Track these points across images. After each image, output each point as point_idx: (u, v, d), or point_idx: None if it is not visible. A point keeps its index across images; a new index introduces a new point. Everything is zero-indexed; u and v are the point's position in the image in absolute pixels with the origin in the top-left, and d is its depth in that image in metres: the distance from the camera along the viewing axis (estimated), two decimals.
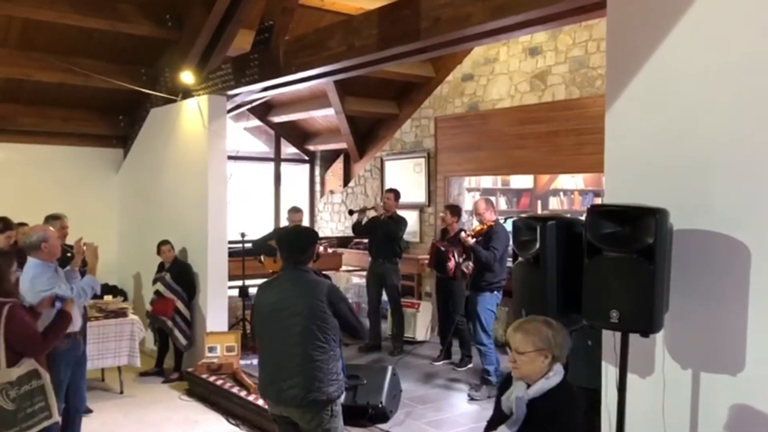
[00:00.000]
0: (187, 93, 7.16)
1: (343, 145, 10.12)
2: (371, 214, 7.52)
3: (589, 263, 2.95)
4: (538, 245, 3.17)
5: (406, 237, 8.96)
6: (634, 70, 3.28)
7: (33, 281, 3.98)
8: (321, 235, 10.28)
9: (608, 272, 2.89)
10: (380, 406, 5.13)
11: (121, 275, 8.30)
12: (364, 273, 8.14)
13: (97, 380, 6.67)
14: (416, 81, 8.90)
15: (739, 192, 2.91)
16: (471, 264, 6.39)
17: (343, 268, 9.10)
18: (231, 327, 7.44)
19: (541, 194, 9.61)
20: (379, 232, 7.37)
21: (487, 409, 5.63)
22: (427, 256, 8.42)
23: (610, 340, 3.21)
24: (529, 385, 2.67)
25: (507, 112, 7.89)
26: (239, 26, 6.55)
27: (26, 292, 3.87)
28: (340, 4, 7.16)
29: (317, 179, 11.18)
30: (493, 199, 9.08)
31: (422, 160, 8.97)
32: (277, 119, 10.34)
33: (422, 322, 8.08)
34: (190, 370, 6.59)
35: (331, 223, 10.80)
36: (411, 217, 9.06)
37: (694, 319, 3.08)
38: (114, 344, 6.33)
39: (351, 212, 7.67)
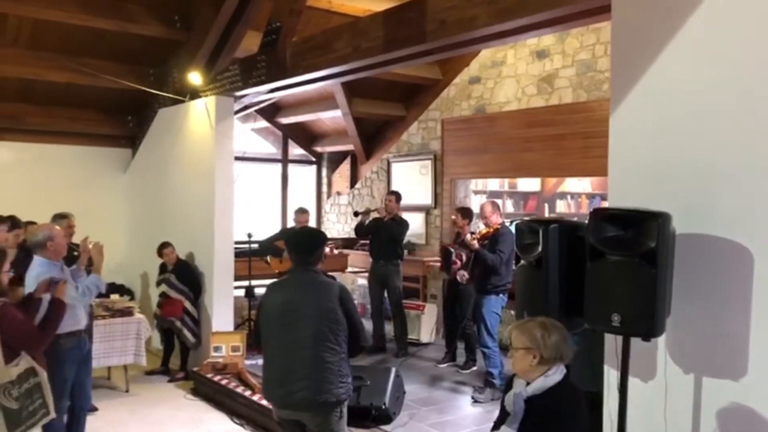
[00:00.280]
0: (194, 94, 7.19)
1: (350, 147, 10.14)
2: (374, 215, 7.54)
3: (591, 266, 2.96)
4: (540, 248, 3.18)
5: (412, 239, 8.99)
6: (638, 74, 3.28)
7: (38, 279, 4.01)
8: (328, 237, 10.32)
9: (610, 276, 2.90)
10: (383, 407, 5.14)
11: (128, 274, 8.34)
12: None
13: (103, 378, 6.71)
14: (423, 83, 8.91)
15: (742, 196, 2.91)
16: (466, 274, 6.42)
17: (349, 269, 9.12)
18: (237, 327, 7.46)
19: (548, 197, 9.60)
20: (382, 234, 7.39)
21: (490, 412, 5.64)
22: (433, 258, 8.46)
23: (611, 343, 3.21)
24: (528, 383, 2.70)
25: (514, 115, 7.89)
26: (247, 28, 6.58)
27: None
28: (348, 6, 7.18)
29: (324, 180, 11.20)
30: (500, 202, 9.11)
31: (429, 162, 8.97)
32: (284, 120, 10.37)
33: (427, 324, 8.09)
34: (195, 369, 6.62)
35: (338, 224, 10.82)
36: (417, 220, 9.08)
37: (696, 324, 3.08)
38: (120, 343, 6.37)
39: (356, 214, 7.68)
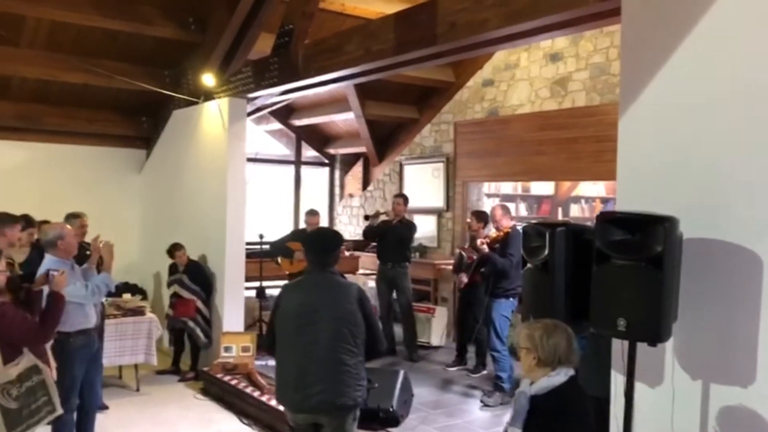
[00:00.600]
0: (208, 95, 7.24)
1: (362, 149, 10.16)
2: (382, 218, 7.55)
3: (597, 270, 2.94)
4: (546, 251, 3.17)
5: (423, 242, 8.99)
6: (647, 78, 3.26)
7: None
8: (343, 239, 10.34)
9: (616, 280, 2.87)
10: (391, 410, 5.13)
11: (141, 274, 8.40)
12: None
13: (114, 377, 6.76)
14: (436, 86, 8.91)
15: (750, 200, 2.87)
16: (465, 278, 6.42)
17: (360, 271, 9.13)
18: (247, 327, 7.49)
19: (562, 201, 9.54)
20: (390, 236, 7.40)
21: (499, 416, 5.63)
22: (444, 261, 8.45)
23: (618, 348, 3.19)
24: (532, 383, 2.72)
25: (527, 118, 7.86)
26: (260, 30, 6.62)
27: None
28: (361, 8, 7.20)
29: (337, 182, 11.23)
30: (513, 205, 9.08)
31: (441, 165, 8.96)
32: (298, 122, 10.42)
33: (437, 327, 8.08)
34: (205, 369, 6.66)
35: (350, 226, 10.83)
36: (429, 222, 9.08)
37: (704, 329, 3.04)
38: (131, 342, 6.41)
39: (366, 218, 7.69)
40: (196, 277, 7.02)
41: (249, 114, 7.45)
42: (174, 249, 7.04)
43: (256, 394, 5.86)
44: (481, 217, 6.77)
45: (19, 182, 7.78)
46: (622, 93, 3.43)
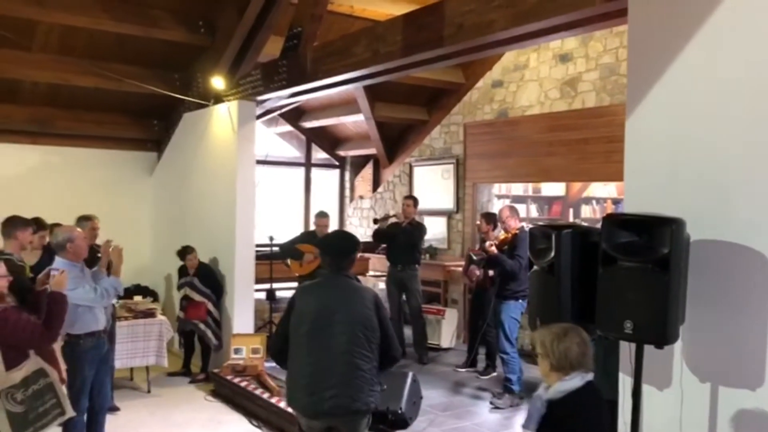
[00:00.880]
0: (218, 98, 7.28)
1: (372, 151, 10.17)
2: (392, 220, 7.55)
3: (603, 272, 2.93)
4: (553, 254, 3.16)
5: (433, 243, 8.98)
6: (654, 79, 3.25)
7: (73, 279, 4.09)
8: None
9: (623, 282, 2.86)
10: (399, 412, 5.12)
11: (152, 276, 8.45)
12: None
13: (125, 379, 6.80)
14: (446, 87, 8.90)
15: (758, 202, 2.85)
16: (477, 271, 6.41)
17: (370, 273, 9.13)
18: (258, 329, 7.52)
19: (573, 202, 9.51)
20: (399, 239, 7.39)
21: (509, 418, 5.62)
22: (455, 263, 8.44)
23: (626, 351, 3.17)
24: (549, 387, 2.71)
25: (536, 119, 7.84)
26: (270, 33, 6.65)
27: None
28: (370, 10, 7.21)
29: (347, 184, 11.24)
30: (524, 206, 9.06)
31: (451, 167, 8.95)
32: (308, 125, 10.44)
33: (447, 329, 8.07)
34: (216, 371, 6.68)
35: (360, 228, 10.84)
36: (439, 224, 9.07)
37: (712, 332, 3.02)
38: (142, 344, 6.45)
39: (375, 221, 7.69)
40: (206, 280, 7.05)
41: (259, 116, 7.48)
42: (185, 252, 7.07)
43: (266, 396, 5.87)
44: (491, 218, 6.75)
45: (31, 185, 7.86)
46: (629, 94, 3.41)
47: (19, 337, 3.33)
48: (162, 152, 8.76)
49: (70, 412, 3.50)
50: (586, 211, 9.42)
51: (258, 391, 6.01)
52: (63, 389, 3.48)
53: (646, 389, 3.19)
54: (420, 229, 7.48)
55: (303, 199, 10.89)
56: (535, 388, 5.99)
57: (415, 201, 7.62)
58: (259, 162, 7.76)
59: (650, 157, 3.29)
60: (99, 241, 5.71)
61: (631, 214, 2.99)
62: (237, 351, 6.64)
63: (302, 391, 3.35)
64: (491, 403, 5.92)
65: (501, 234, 6.39)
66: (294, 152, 11.14)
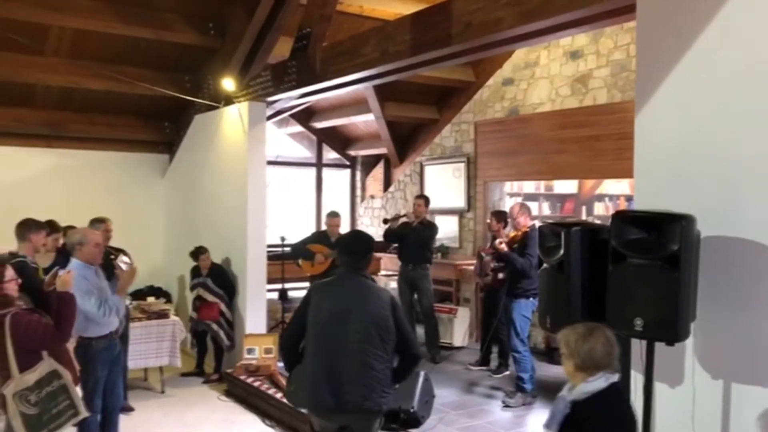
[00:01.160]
0: (228, 100, 7.31)
1: (383, 150, 10.17)
2: (403, 220, 7.55)
3: (613, 270, 2.92)
4: (562, 251, 3.15)
5: (445, 242, 8.97)
6: (663, 75, 3.23)
7: (79, 281, 4.12)
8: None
9: (633, 279, 2.85)
10: (412, 410, 5.12)
11: (166, 277, 8.51)
12: None
13: (140, 380, 6.85)
14: (456, 86, 8.89)
15: None
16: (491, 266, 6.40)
17: (382, 272, 9.14)
18: (270, 329, 7.54)
19: (585, 200, 9.47)
20: (411, 238, 7.39)
21: (521, 417, 5.61)
22: (466, 262, 8.42)
23: (636, 348, 3.16)
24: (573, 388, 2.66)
25: (547, 117, 7.81)
26: (279, 34, 6.67)
27: None
28: (379, 10, 7.21)
29: (358, 184, 11.26)
30: (536, 204, 9.03)
31: (462, 165, 8.94)
32: (318, 125, 10.46)
33: (460, 328, 8.06)
34: (229, 371, 6.71)
35: (372, 227, 10.84)
36: (451, 223, 9.06)
37: (724, 329, 3.00)
38: (155, 344, 6.49)
39: (386, 221, 7.69)
40: (219, 280, 7.09)
41: (269, 117, 7.50)
42: (198, 252, 7.11)
43: (279, 395, 5.89)
44: (501, 216, 6.72)
45: (45, 188, 7.93)
46: (637, 90, 3.40)
47: (32, 338, 3.37)
48: (174, 154, 8.81)
49: (84, 413, 3.53)
50: (599, 209, 9.38)
51: (271, 391, 6.03)
52: (77, 390, 3.50)
53: (658, 387, 3.18)
54: (431, 228, 7.47)
55: (314, 199, 10.91)
56: (547, 387, 6.01)
57: (426, 200, 7.62)
58: (270, 163, 7.78)
59: (660, 154, 3.27)
60: (114, 242, 5.79)
61: (641, 211, 2.98)
62: (250, 351, 6.67)
63: (314, 388, 3.35)
64: (503, 401, 5.91)
65: (512, 232, 6.37)
66: (305, 152, 11.17)
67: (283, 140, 10.81)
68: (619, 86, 7.05)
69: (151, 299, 7.35)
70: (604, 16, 3.85)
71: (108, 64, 7.21)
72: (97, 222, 5.61)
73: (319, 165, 11.05)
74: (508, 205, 8.72)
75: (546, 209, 9.47)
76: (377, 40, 5.23)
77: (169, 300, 8.17)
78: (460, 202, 8.98)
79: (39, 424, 3.31)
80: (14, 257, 4.38)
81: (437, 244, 8.43)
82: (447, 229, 8.97)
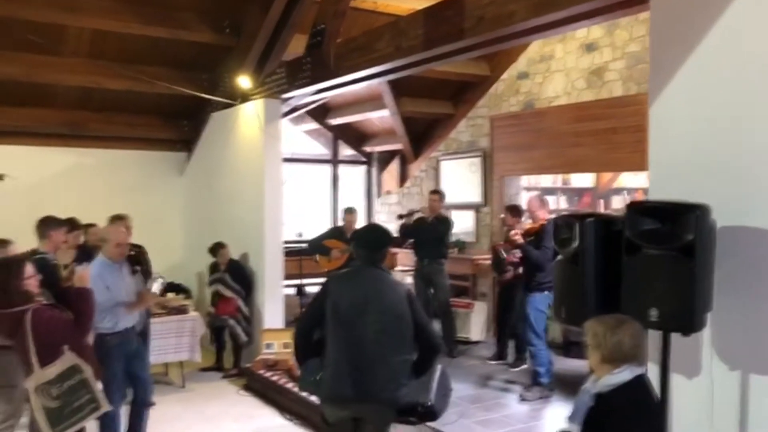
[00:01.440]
0: (244, 97, 7.37)
1: (399, 146, 10.18)
2: (418, 215, 7.55)
3: (627, 260, 2.91)
4: (576, 243, 3.15)
5: (462, 237, 8.96)
6: (677, 65, 3.22)
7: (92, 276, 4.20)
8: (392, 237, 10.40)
9: (647, 270, 2.85)
10: (428, 404, 5.11)
11: (185, 274, 8.59)
12: None
13: (161, 374, 6.93)
14: (471, 80, 8.87)
15: None
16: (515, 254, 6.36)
17: (398, 268, 9.16)
18: (288, 324, 7.60)
19: (603, 193, 9.40)
20: (426, 233, 7.39)
21: (538, 410, 5.61)
22: (483, 256, 8.42)
23: (652, 339, 3.15)
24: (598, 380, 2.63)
25: (563, 110, 7.77)
26: (294, 31, 6.71)
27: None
28: (393, 5, 7.22)
29: (374, 180, 11.27)
30: (553, 198, 8.99)
31: (478, 160, 8.93)
32: (334, 121, 10.49)
33: (477, 323, 8.06)
34: (247, 366, 6.78)
35: (388, 224, 10.85)
36: (467, 218, 9.05)
37: (742, 319, 2.99)
38: (175, 340, 6.57)
39: (400, 217, 7.70)
40: (237, 276, 7.17)
41: (285, 114, 7.54)
42: (217, 247, 7.20)
43: (297, 389, 5.94)
44: (516, 211, 6.70)
45: (66, 186, 8.06)
46: (651, 81, 3.39)
47: (52, 333, 3.44)
48: (192, 152, 8.89)
49: (105, 407, 3.59)
50: (617, 202, 9.31)
51: (289, 385, 6.09)
52: (98, 384, 3.56)
53: (675, 378, 3.17)
54: (445, 223, 7.47)
55: (331, 195, 10.96)
56: (564, 381, 5.99)
57: (441, 195, 7.62)
58: (287, 160, 7.82)
59: (675, 145, 3.26)
60: (133, 239, 5.85)
61: (655, 201, 2.97)
62: (268, 346, 6.73)
63: (334, 377, 3.37)
64: (520, 395, 5.90)
65: (528, 223, 6.36)
66: (321, 149, 11.21)
67: (300, 137, 10.86)
68: (635, 78, 7.00)
69: (170, 295, 7.43)
70: (617, 7, 3.84)
71: (126, 64, 7.31)
72: (117, 219, 5.68)
73: (335, 161, 11.08)
74: (524, 199, 8.69)
75: (563, 203, 9.42)
76: (390, 36, 5.25)
77: (188, 296, 8.25)
78: (477, 197, 8.97)
79: (61, 417, 3.37)
80: (35, 254, 4.47)
81: (454, 239, 8.42)
82: (463, 224, 8.97)
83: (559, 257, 3.34)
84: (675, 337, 2.96)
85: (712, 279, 2.90)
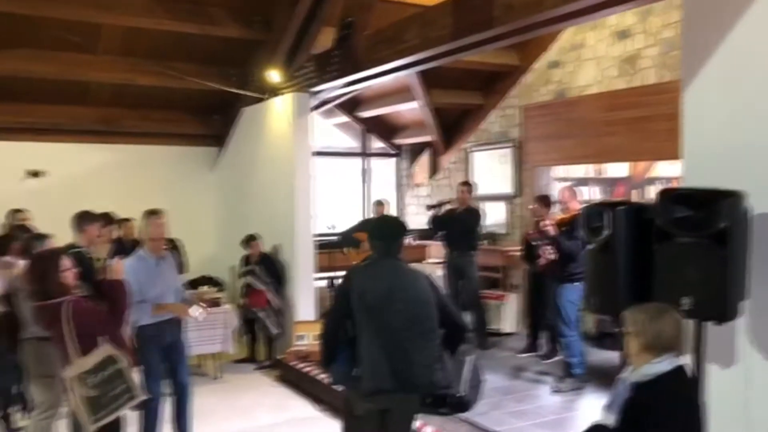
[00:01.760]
0: (274, 91, 7.42)
1: (429, 138, 10.15)
2: (447, 207, 7.53)
3: (659, 249, 2.87)
4: (607, 231, 3.11)
5: (493, 229, 8.91)
6: (710, 50, 3.15)
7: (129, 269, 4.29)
8: (409, 228, 10.37)
9: (679, 258, 2.80)
10: (460, 395, 5.11)
11: (217, 267, 8.70)
12: None
13: (195, 366, 7.02)
14: (501, 70, 8.79)
15: None
16: (550, 250, 6.26)
17: (430, 260, 9.15)
18: (321, 317, 7.65)
19: (638, 183, 9.25)
20: (455, 225, 7.36)
21: (571, 401, 5.57)
22: (514, 248, 8.35)
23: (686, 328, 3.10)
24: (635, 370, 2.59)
25: (595, 99, 7.67)
26: (322, 24, 6.72)
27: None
28: None
29: (404, 172, 11.26)
30: (586, 189, 8.88)
31: (509, 151, 8.86)
32: (364, 114, 10.50)
33: (509, 314, 8.02)
34: (280, 357, 6.85)
35: (419, 216, 10.84)
36: (499, 209, 8.99)
37: None
38: (209, 332, 6.66)
39: (429, 207, 7.69)
40: (269, 269, 7.25)
41: (315, 108, 7.58)
42: (250, 239, 7.30)
43: (329, 380, 5.98)
44: (546, 201, 6.63)
45: (101, 182, 8.22)
46: (684, 66, 3.33)
47: (88, 324, 3.53)
48: (223, 146, 8.99)
49: (140, 396, 3.67)
50: (652, 192, 9.15)
51: (322, 376, 6.12)
52: (132, 375, 3.64)
53: (709, 367, 3.12)
54: (475, 214, 7.43)
55: (361, 188, 10.98)
56: (598, 372, 5.92)
57: (471, 186, 7.58)
58: (318, 153, 7.86)
59: (708, 132, 3.20)
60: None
61: (687, 188, 2.92)
62: (301, 338, 6.80)
63: (373, 370, 3.34)
64: (553, 386, 5.86)
65: (559, 214, 6.29)
66: (351, 142, 11.23)
67: (330, 131, 10.89)
68: (669, 65, 6.86)
69: (204, 288, 7.54)
70: None
71: (158, 61, 7.40)
72: (151, 214, 5.75)
73: (365, 154, 11.10)
74: (556, 189, 8.60)
75: (597, 194, 9.29)
76: (419, 26, 5.23)
77: (221, 289, 8.36)
78: (508, 188, 8.90)
79: (99, 406, 3.46)
80: (72, 248, 4.57)
81: (486, 231, 8.37)
82: (495, 215, 8.92)
83: (590, 246, 3.30)
84: (708, 326, 2.91)
85: (746, 267, 2.83)
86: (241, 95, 7.94)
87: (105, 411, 3.47)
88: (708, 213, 2.71)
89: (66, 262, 3.63)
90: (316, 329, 6.73)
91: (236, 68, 7.90)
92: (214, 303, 6.87)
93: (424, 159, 10.66)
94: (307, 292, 7.26)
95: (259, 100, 7.72)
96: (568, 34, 7.95)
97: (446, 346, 3.50)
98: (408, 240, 9.35)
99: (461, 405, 5.14)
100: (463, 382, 5.15)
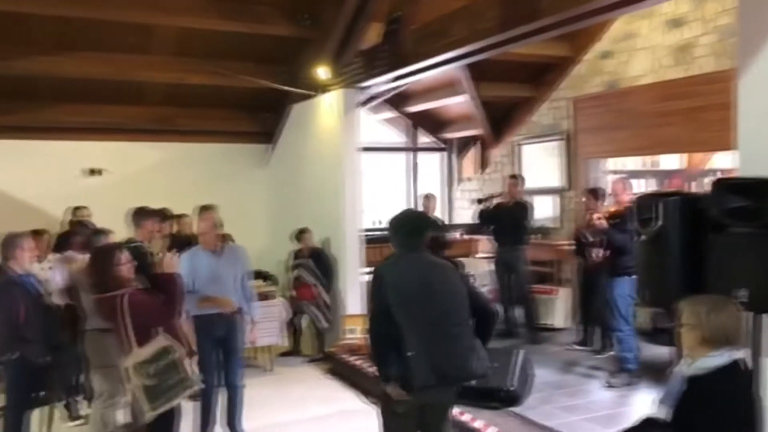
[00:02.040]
0: (323, 88, 7.49)
1: (477, 132, 10.08)
2: (497, 200, 7.47)
3: (713, 239, 2.80)
4: (659, 222, 3.05)
5: (545, 222, 8.80)
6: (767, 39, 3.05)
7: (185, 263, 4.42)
8: (458, 222, 10.34)
9: (734, 249, 2.74)
10: (510, 389, 5.10)
11: (269, 261, 8.83)
12: None
13: (250, 359, 7.18)
14: (551, 62, 8.66)
15: None
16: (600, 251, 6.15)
17: (478, 254, 9.10)
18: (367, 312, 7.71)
19: (694, 175, 9.02)
20: (505, 219, 7.30)
21: (624, 397, 5.48)
22: (566, 242, 8.24)
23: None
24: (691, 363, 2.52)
25: (648, 89, 7.49)
26: (370, 20, 6.75)
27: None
28: None
29: (453, 167, 11.22)
30: (642, 181, 8.69)
31: (559, 143, 8.73)
32: (412, 109, 10.49)
33: (561, 309, 7.92)
34: (331, 350, 6.94)
35: (468, 210, 10.78)
36: (550, 203, 8.88)
37: None
38: (264, 324, 6.75)
39: (479, 201, 7.64)
40: (319, 263, 7.34)
41: (363, 103, 7.62)
42: (302, 232, 7.44)
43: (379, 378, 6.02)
44: (596, 194, 6.51)
45: (156, 179, 8.46)
46: (740, 52, 3.24)
47: (145, 315, 3.67)
48: (274, 143, 9.13)
49: (195, 386, 3.78)
50: (708, 185, 8.89)
51: (371, 369, 6.17)
52: (186, 365, 3.74)
53: (766, 362, 3.03)
54: (525, 208, 7.35)
55: (410, 183, 10.99)
56: (652, 368, 5.81)
57: (520, 180, 7.51)
58: (366, 149, 7.90)
59: (764, 121, 3.10)
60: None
61: (741, 178, 2.85)
62: (350, 331, 6.87)
63: (416, 369, 3.30)
64: (607, 381, 5.77)
65: (611, 207, 6.18)
66: (400, 137, 11.25)
67: (379, 126, 10.93)
68: (728, 53, 6.65)
69: (257, 282, 7.67)
70: None
71: (209, 60, 7.56)
72: (205, 210, 5.90)
73: (413, 149, 11.10)
74: (605, 183, 8.44)
75: (652, 186, 9.08)
76: (465, 19, 5.22)
77: (274, 282, 8.48)
78: (558, 181, 8.78)
79: (157, 394, 3.59)
80: (130, 243, 4.73)
81: (537, 224, 8.28)
82: (546, 209, 8.81)
83: (642, 237, 3.24)
84: (765, 319, 2.83)
85: None
86: (290, 92, 8.05)
87: (162, 399, 3.59)
88: (763, 203, 2.64)
89: (123, 256, 3.77)
90: (365, 323, 6.83)
91: (285, 66, 8.02)
92: (268, 297, 7.01)
93: (473, 153, 10.60)
94: (355, 286, 7.33)
95: (308, 97, 7.82)
96: (620, 24, 7.79)
97: (478, 334, 3.47)
98: (456, 234, 9.33)
99: (511, 399, 5.15)
100: (514, 376, 5.15)
